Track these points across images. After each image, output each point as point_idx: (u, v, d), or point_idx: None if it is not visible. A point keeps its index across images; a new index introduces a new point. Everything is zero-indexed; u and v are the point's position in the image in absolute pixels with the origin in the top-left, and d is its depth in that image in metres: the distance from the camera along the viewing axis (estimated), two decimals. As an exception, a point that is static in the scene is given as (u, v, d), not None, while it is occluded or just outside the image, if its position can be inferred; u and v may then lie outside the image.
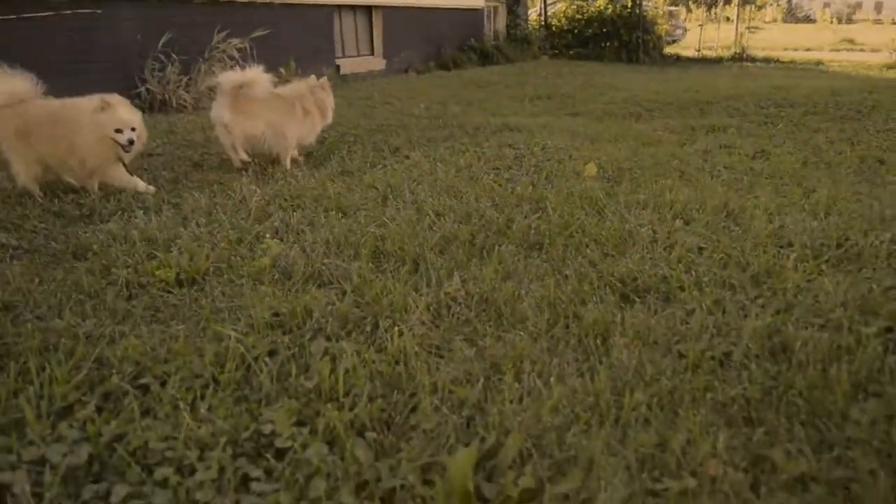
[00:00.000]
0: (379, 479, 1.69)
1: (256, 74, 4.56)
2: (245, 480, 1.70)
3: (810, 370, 2.06)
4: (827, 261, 2.90)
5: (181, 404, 1.91)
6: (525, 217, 3.46)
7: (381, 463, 1.74)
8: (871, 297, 2.51)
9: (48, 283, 2.71)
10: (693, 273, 2.78)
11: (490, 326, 2.41)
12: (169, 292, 2.68)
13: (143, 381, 2.05)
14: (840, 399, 1.93)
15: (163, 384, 2.03)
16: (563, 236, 3.19)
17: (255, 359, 2.17)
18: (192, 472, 1.71)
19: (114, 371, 2.07)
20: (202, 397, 1.97)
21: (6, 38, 6.07)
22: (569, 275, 2.78)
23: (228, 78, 4.56)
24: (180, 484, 1.66)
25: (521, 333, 2.33)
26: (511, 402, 1.95)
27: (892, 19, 29.97)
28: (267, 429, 1.86)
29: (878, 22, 34.49)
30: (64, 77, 6.59)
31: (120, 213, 3.61)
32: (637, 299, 2.59)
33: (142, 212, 3.58)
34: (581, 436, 1.81)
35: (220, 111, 4.54)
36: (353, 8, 10.57)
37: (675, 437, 1.79)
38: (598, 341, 2.28)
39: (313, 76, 5.04)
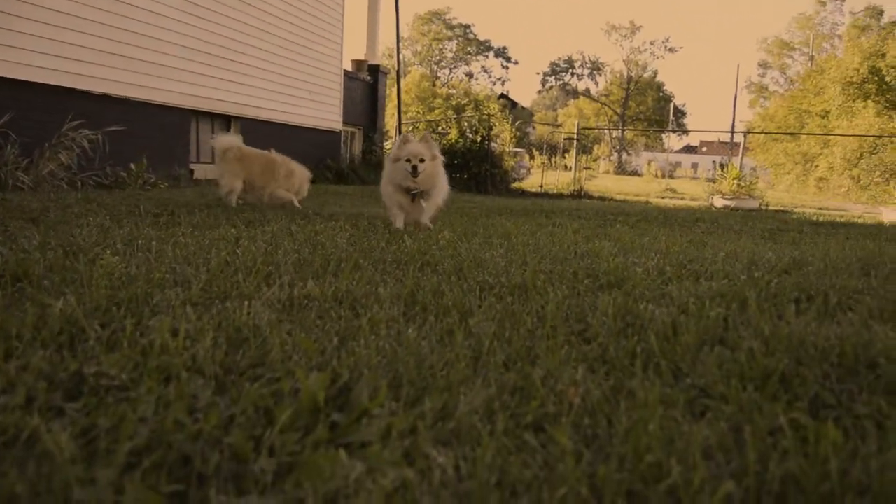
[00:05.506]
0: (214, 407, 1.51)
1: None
2: (60, 413, 1.47)
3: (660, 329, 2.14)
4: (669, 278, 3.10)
5: (-13, 345, 1.66)
6: (384, 248, 3.47)
7: (221, 397, 1.58)
8: (708, 293, 2.69)
9: None
10: (548, 280, 2.86)
11: (346, 311, 2.32)
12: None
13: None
14: (689, 348, 2.00)
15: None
16: (419, 261, 3.21)
17: (83, 329, 1.94)
18: (-8, 397, 1.46)
19: None
20: (15, 349, 1.73)
21: None
22: (422, 279, 2.77)
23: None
24: (-24, 405, 1.41)
25: (378, 312, 2.27)
26: (367, 350, 1.86)
27: (706, 177, 34.16)
28: (92, 370, 1.64)
29: (694, 178, 39.26)
30: None
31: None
32: (495, 297, 2.61)
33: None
34: (439, 371, 1.75)
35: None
36: (211, 115, 10.58)
37: (535, 370, 1.77)
38: (457, 317, 2.25)
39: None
